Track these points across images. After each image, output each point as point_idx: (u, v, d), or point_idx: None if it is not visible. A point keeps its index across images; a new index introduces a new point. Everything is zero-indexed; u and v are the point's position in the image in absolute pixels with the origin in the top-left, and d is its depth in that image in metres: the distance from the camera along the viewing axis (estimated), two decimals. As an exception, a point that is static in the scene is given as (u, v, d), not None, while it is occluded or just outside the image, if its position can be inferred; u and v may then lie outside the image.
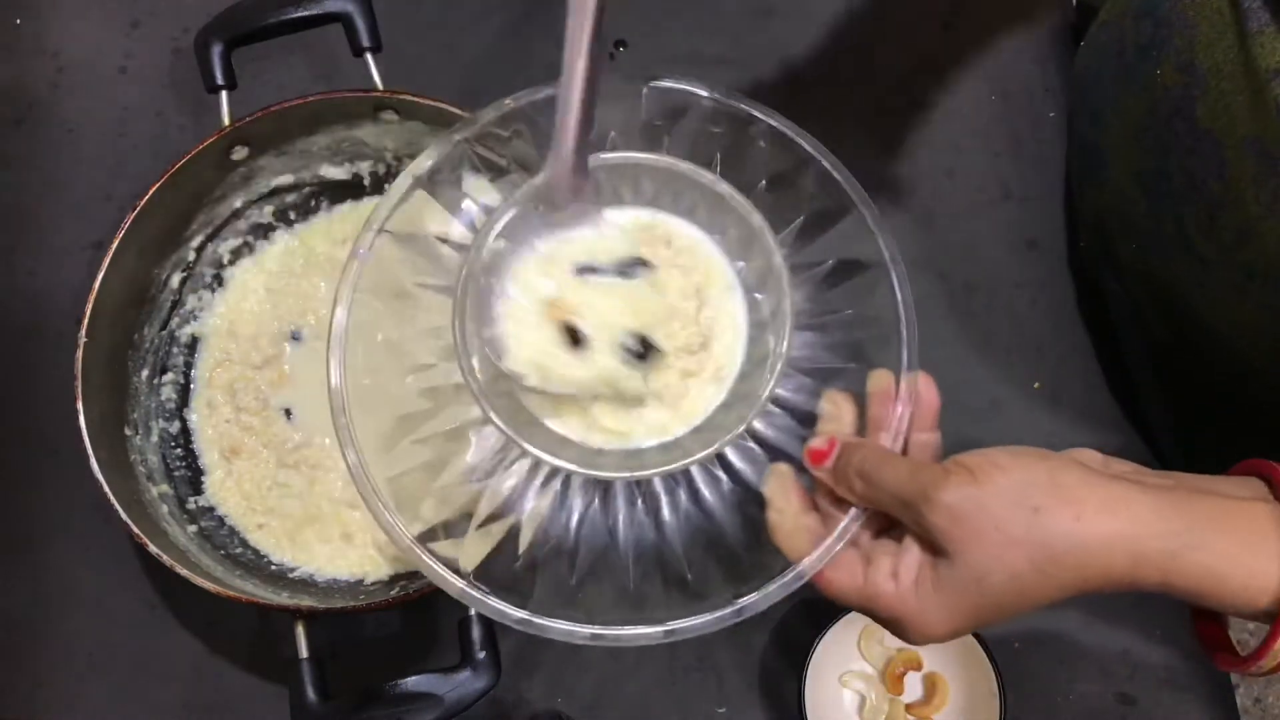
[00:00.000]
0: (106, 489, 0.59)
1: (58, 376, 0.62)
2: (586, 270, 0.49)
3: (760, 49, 0.79)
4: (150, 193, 0.63)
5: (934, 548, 0.40)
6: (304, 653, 0.58)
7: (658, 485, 0.49)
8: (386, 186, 0.72)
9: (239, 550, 0.66)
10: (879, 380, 0.45)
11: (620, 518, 0.49)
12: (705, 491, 0.49)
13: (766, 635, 0.69)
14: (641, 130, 0.51)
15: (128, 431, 0.66)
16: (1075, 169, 0.74)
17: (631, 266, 0.49)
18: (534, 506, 0.49)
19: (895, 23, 0.80)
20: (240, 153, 0.67)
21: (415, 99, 0.65)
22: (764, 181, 0.50)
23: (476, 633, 0.57)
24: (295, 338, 0.71)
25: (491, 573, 0.46)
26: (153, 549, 0.58)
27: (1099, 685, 0.69)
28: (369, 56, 0.66)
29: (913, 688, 0.67)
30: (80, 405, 0.60)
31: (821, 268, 0.50)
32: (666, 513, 0.49)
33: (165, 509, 0.65)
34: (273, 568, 0.66)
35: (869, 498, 0.42)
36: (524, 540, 0.48)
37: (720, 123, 0.51)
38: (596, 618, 0.45)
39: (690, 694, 0.67)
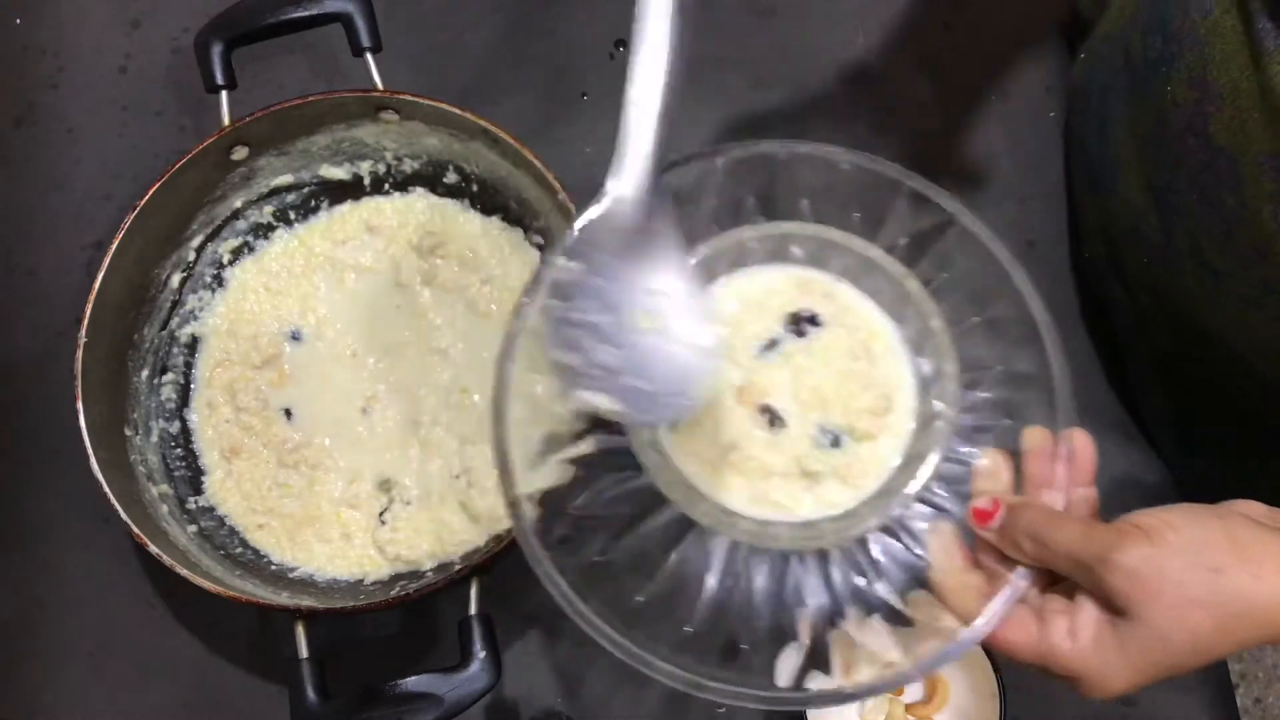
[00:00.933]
0: (106, 489, 0.59)
1: (58, 376, 0.62)
2: (767, 348, 0.50)
3: (760, 49, 0.79)
4: (150, 193, 0.63)
5: (1112, 607, 0.41)
6: (304, 653, 0.58)
7: (830, 553, 0.49)
8: (387, 187, 0.73)
9: (239, 550, 0.66)
10: (1035, 437, 0.46)
11: (790, 583, 0.50)
12: (872, 552, 0.49)
13: (767, 635, 0.69)
14: (781, 196, 0.52)
15: (128, 431, 0.66)
16: (1079, 178, 0.73)
17: (802, 324, 0.50)
18: (710, 580, 0.49)
19: (895, 23, 0.80)
20: (240, 153, 0.67)
21: (415, 99, 0.65)
22: (904, 240, 0.51)
23: (476, 633, 0.57)
24: (295, 338, 0.71)
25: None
26: (153, 549, 0.58)
27: (1099, 685, 0.68)
28: (369, 56, 0.66)
29: (913, 688, 0.67)
30: (80, 405, 0.60)
31: (966, 324, 0.50)
32: (836, 576, 0.49)
33: (165, 509, 0.65)
34: (273, 568, 0.66)
35: (1039, 558, 0.42)
36: (693, 603, 0.49)
37: (859, 184, 0.51)
38: (773, 679, 0.46)
39: (690, 694, 0.67)
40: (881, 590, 0.49)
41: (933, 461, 0.47)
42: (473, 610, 0.57)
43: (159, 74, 0.80)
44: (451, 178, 0.71)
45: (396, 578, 0.65)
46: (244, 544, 0.67)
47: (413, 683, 0.56)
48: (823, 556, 0.49)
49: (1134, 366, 0.72)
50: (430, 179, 0.72)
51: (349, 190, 0.73)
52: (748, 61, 0.79)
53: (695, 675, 0.45)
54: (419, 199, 0.73)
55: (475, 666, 0.56)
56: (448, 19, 0.81)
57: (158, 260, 0.68)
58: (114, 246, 0.63)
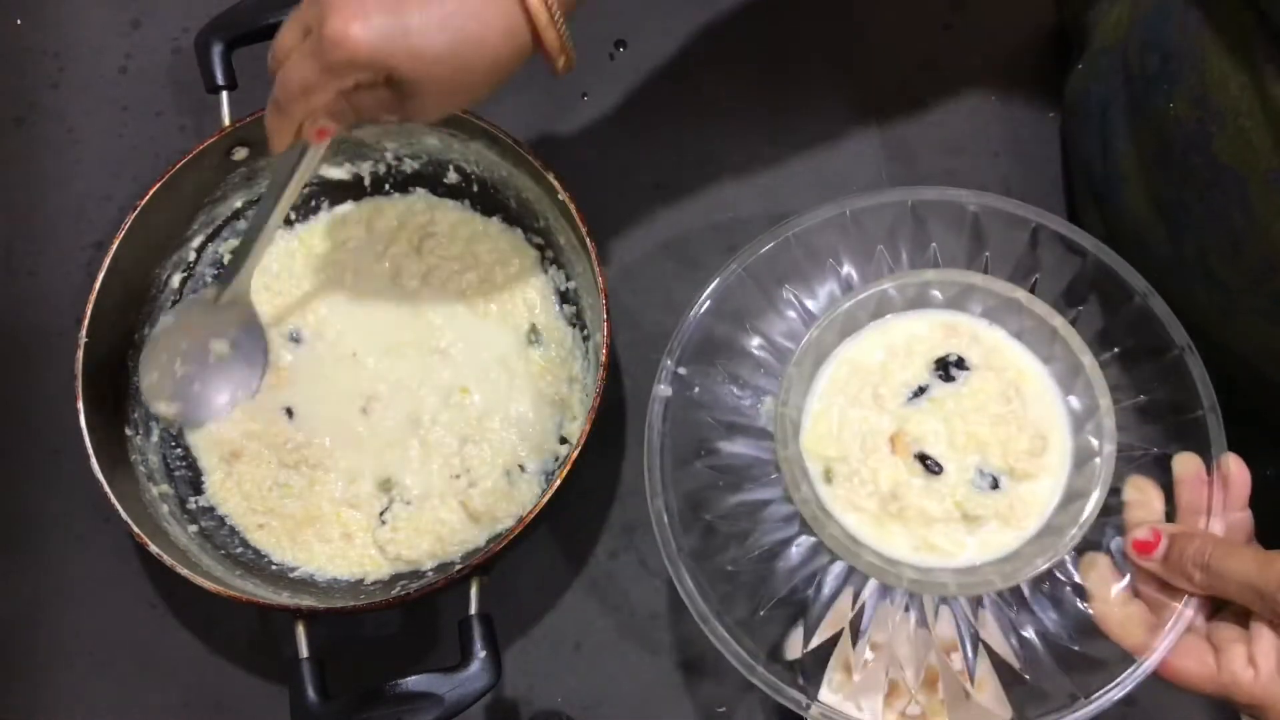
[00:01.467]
0: (106, 489, 0.59)
1: (58, 376, 0.62)
2: (916, 395, 0.51)
3: (760, 49, 0.79)
4: (150, 193, 0.64)
5: None
6: (304, 653, 0.58)
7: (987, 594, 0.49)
8: (387, 187, 0.73)
9: (239, 550, 0.66)
10: (1187, 465, 0.46)
11: (947, 626, 0.50)
12: (1028, 590, 0.49)
13: (767, 635, 0.69)
14: (911, 239, 0.53)
15: (128, 431, 0.66)
16: (1080, 188, 0.73)
17: (950, 369, 0.51)
18: (877, 624, 0.51)
19: (895, 23, 0.80)
20: (240, 153, 0.67)
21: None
22: (1036, 276, 0.52)
23: (477, 633, 0.57)
24: (295, 339, 0.71)
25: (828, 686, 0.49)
26: (153, 549, 0.58)
27: (1099, 685, 0.68)
28: (369, 56, 0.66)
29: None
30: (80, 405, 0.60)
31: (1107, 356, 0.51)
32: (990, 618, 0.50)
33: (165, 509, 0.65)
34: (273, 568, 0.66)
35: (1210, 587, 0.43)
36: (863, 650, 0.50)
37: (987, 224, 0.52)
38: None
39: (690, 694, 0.67)
40: (1046, 627, 0.49)
41: (1095, 498, 0.47)
42: (473, 610, 0.57)
43: (159, 74, 0.80)
44: (451, 178, 0.71)
45: (397, 578, 0.65)
46: (244, 544, 0.67)
47: (413, 683, 0.56)
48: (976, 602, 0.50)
49: None
50: (430, 179, 0.72)
51: (349, 190, 0.73)
52: (747, 62, 0.79)
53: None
54: (419, 199, 0.73)
55: (475, 666, 0.56)
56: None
57: (158, 260, 0.68)
58: (114, 246, 0.63)
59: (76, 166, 0.78)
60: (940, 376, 0.51)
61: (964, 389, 0.51)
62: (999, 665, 0.50)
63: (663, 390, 0.51)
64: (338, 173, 0.72)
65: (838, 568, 0.50)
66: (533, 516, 0.58)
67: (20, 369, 0.74)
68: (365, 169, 0.72)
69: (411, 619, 0.68)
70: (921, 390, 0.51)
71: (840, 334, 0.53)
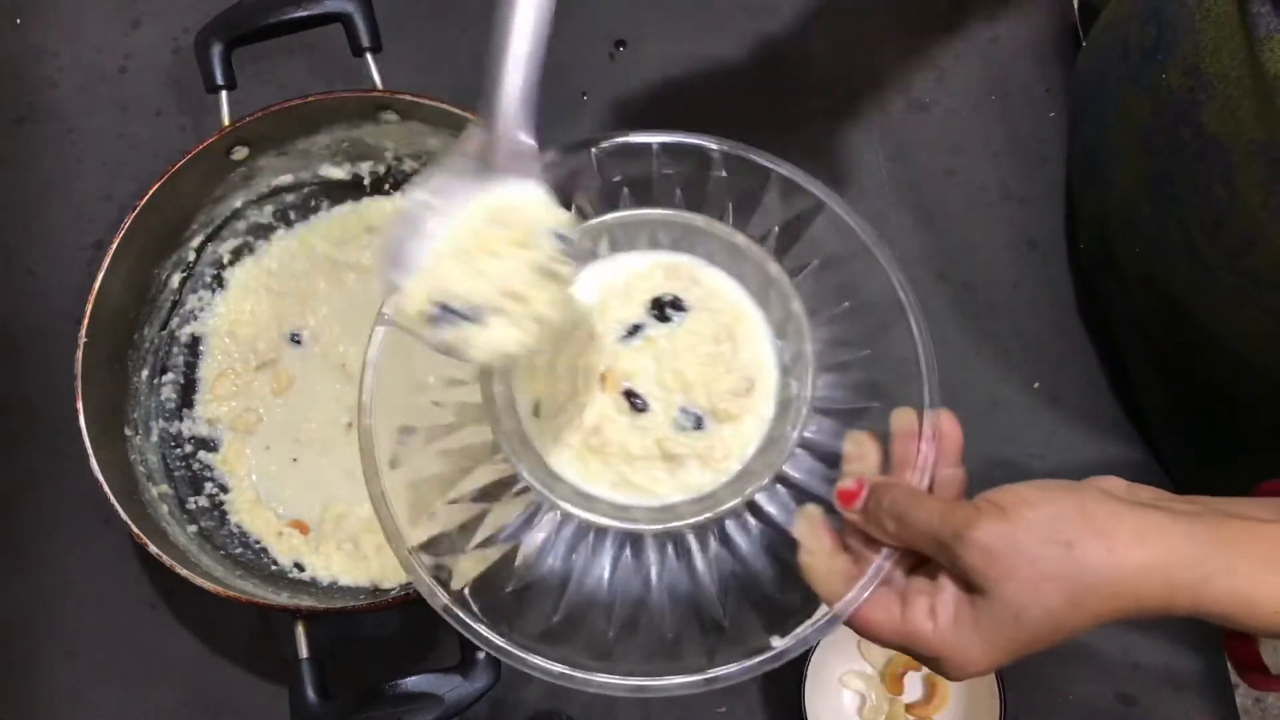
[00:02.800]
0: (106, 489, 0.59)
1: (58, 376, 0.62)
2: (630, 334, 0.50)
3: (760, 49, 0.79)
4: (150, 193, 0.63)
5: (969, 585, 0.41)
6: (304, 653, 0.58)
7: (690, 535, 0.49)
8: (387, 187, 0.73)
9: (239, 550, 0.66)
10: (902, 418, 0.46)
11: (653, 568, 0.50)
12: (736, 537, 0.49)
13: (766, 635, 0.69)
14: (655, 182, 0.52)
15: (128, 431, 0.66)
16: (1077, 170, 0.73)
17: (665, 309, 0.51)
18: (564, 560, 0.50)
19: (895, 23, 0.80)
20: (240, 153, 0.67)
21: (415, 99, 0.65)
22: (776, 228, 0.51)
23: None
24: (295, 339, 0.71)
25: (527, 627, 0.47)
26: (153, 549, 0.58)
27: (1099, 685, 0.69)
28: (369, 56, 0.66)
29: (912, 688, 0.67)
30: (80, 405, 0.60)
31: (838, 309, 0.50)
32: (699, 560, 0.49)
33: (165, 509, 0.65)
34: (273, 568, 0.66)
35: (901, 537, 0.43)
36: (557, 595, 0.49)
37: (730, 171, 0.51)
38: (636, 669, 0.46)
39: (691, 694, 0.67)
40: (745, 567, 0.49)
41: (791, 440, 0.47)
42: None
43: (159, 74, 0.80)
44: (451, 178, 0.71)
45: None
46: (245, 544, 0.67)
47: (413, 683, 0.56)
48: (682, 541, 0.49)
49: (1132, 361, 0.72)
50: (430, 179, 0.72)
51: (349, 190, 0.73)
52: (747, 62, 0.79)
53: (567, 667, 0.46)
54: (419, 199, 0.73)
55: (475, 667, 0.56)
56: (448, 19, 0.81)
57: (158, 260, 0.68)
58: (114, 246, 0.63)
59: (76, 166, 0.78)
60: (655, 316, 0.50)
61: (678, 329, 0.50)
62: (706, 606, 0.49)
63: (381, 332, 0.49)
64: (338, 173, 0.72)
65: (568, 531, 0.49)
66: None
67: (20, 369, 0.74)
68: (365, 169, 0.72)
69: (411, 619, 0.68)
70: (636, 329, 0.50)
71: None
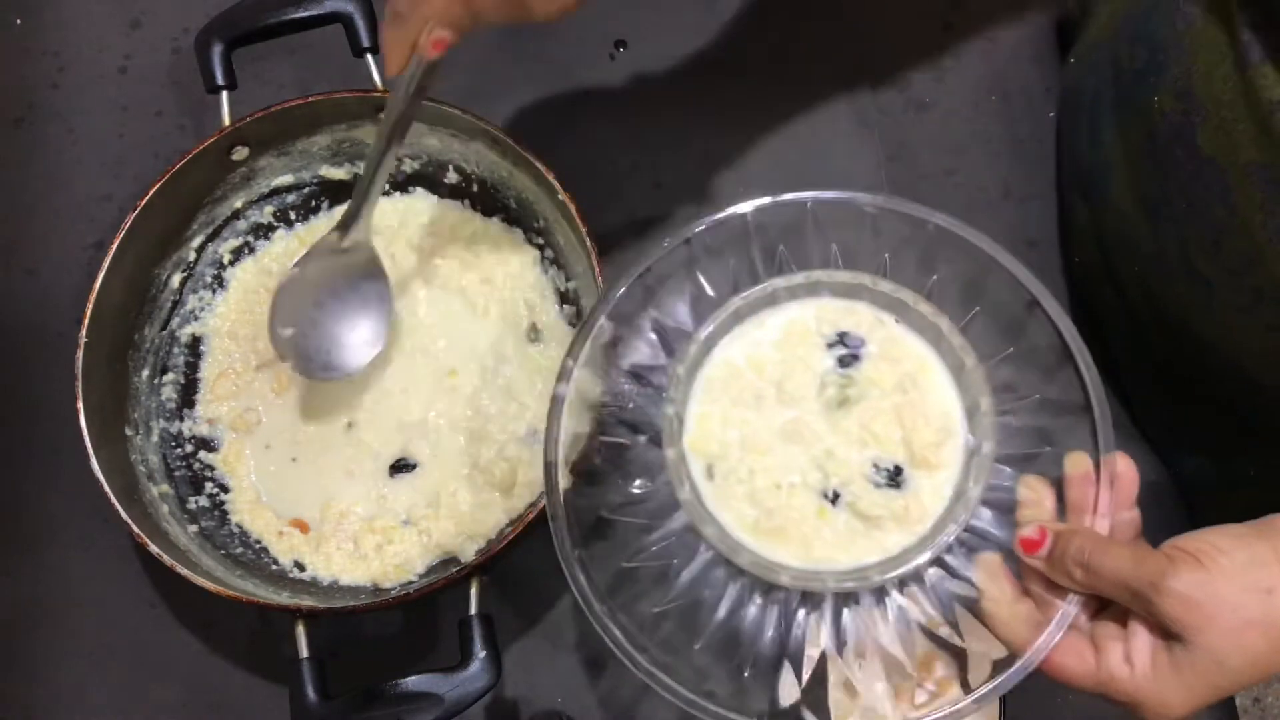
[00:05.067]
0: (106, 489, 0.59)
1: (58, 376, 0.62)
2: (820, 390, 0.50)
3: (760, 49, 0.79)
4: (150, 193, 0.64)
5: (1165, 632, 0.41)
6: (304, 653, 0.58)
7: (872, 591, 0.49)
8: (387, 186, 0.73)
9: (239, 550, 0.66)
10: (1077, 463, 0.46)
11: (839, 623, 0.50)
12: (917, 588, 0.49)
13: (767, 635, 0.69)
14: (810, 239, 0.53)
15: (128, 431, 0.66)
16: (1070, 184, 0.73)
17: (846, 357, 0.51)
18: (756, 621, 0.50)
19: (895, 23, 0.80)
20: (240, 153, 0.67)
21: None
22: (935, 277, 0.51)
23: (477, 633, 0.57)
24: (296, 339, 0.71)
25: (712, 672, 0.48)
26: (153, 549, 0.58)
27: (1099, 685, 0.68)
28: (369, 56, 0.66)
29: (913, 688, 0.67)
30: (80, 405, 0.60)
31: (1003, 355, 0.51)
32: (886, 613, 0.49)
33: (165, 509, 0.65)
34: (274, 568, 0.66)
35: (1090, 585, 0.43)
36: (745, 648, 0.50)
37: (885, 222, 0.52)
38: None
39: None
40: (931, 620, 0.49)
41: (975, 495, 0.47)
42: (473, 610, 0.57)
43: (159, 74, 0.80)
44: (451, 178, 0.71)
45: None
46: (245, 544, 0.67)
47: (413, 683, 0.56)
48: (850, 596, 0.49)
49: (1130, 369, 0.72)
50: (430, 179, 0.72)
51: (349, 190, 0.73)
52: (747, 62, 0.79)
53: (695, 694, 0.46)
54: (419, 199, 0.73)
55: (475, 666, 0.56)
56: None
57: (158, 260, 0.68)
58: (114, 246, 0.63)
59: (76, 166, 0.78)
60: (839, 360, 0.50)
61: (861, 378, 0.50)
62: (893, 658, 0.49)
63: (561, 389, 0.50)
64: (337, 173, 0.72)
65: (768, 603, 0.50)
66: (532, 517, 0.58)
67: (20, 369, 0.74)
68: (365, 169, 0.72)
69: (411, 619, 0.68)
70: (822, 386, 0.51)
71: (725, 331, 0.52)
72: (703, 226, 0.52)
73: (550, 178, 0.63)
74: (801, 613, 0.50)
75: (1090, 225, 0.69)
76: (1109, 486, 0.45)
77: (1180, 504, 0.70)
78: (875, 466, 0.49)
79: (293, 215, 0.73)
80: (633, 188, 0.75)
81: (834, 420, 0.50)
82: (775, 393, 0.51)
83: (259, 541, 0.67)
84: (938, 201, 0.75)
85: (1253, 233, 0.52)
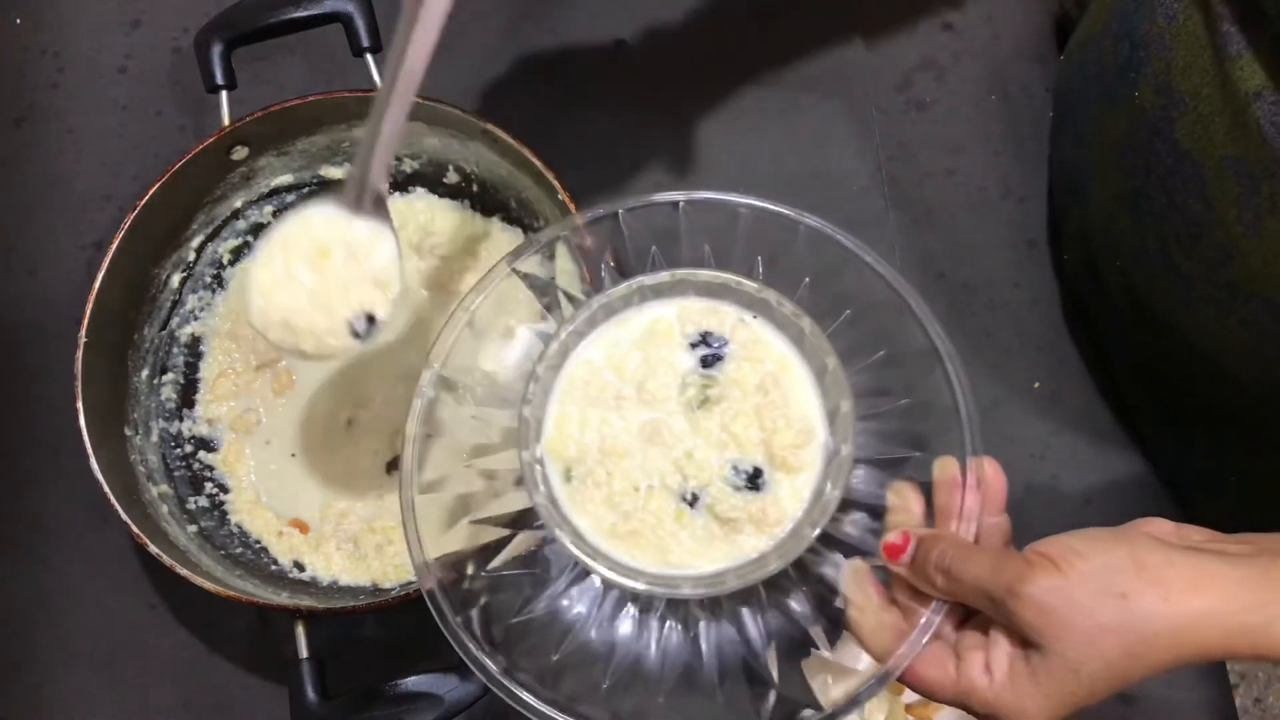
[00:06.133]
0: (106, 489, 0.59)
1: (58, 376, 0.62)
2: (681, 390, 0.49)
3: (760, 49, 0.79)
4: (150, 193, 0.64)
5: (1024, 640, 0.40)
6: (304, 653, 0.58)
7: (736, 597, 0.49)
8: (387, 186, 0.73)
9: (239, 550, 0.66)
10: (945, 468, 0.45)
11: (701, 630, 0.50)
12: (784, 596, 0.49)
13: (766, 635, 0.69)
14: (684, 240, 0.52)
15: (128, 431, 0.66)
16: (1059, 185, 0.74)
17: (710, 355, 0.50)
18: (612, 629, 0.50)
19: (895, 23, 0.80)
20: (240, 153, 0.67)
21: (415, 99, 0.65)
22: (807, 280, 0.51)
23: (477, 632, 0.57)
24: (295, 338, 0.71)
25: (578, 697, 0.47)
26: (153, 549, 0.58)
27: (1099, 685, 0.68)
28: (369, 56, 0.66)
29: (913, 688, 0.67)
30: (80, 405, 0.60)
31: (873, 359, 0.50)
32: (747, 622, 0.49)
33: (165, 509, 0.65)
34: (273, 568, 0.66)
35: (951, 592, 0.42)
36: (605, 661, 0.49)
37: (759, 227, 0.51)
38: None
39: (689, 694, 0.67)
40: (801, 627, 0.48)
41: (834, 498, 0.46)
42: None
43: (159, 74, 0.80)
44: (451, 178, 0.71)
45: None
46: (245, 544, 0.67)
47: (413, 683, 0.56)
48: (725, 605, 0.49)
49: (1118, 368, 0.72)
50: (430, 179, 0.72)
51: (349, 190, 0.73)
52: (747, 62, 0.79)
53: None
54: (419, 199, 0.73)
55: (475, 667, 0.56)
56: (448, 19, 0.81)
57: (158, 260, 0.68)
58: (114, 246, 0.63)
59: (76, 166, 0.78)
60: (702, 360, 0.50)
61: (723, 378, 0.49)
62: (756, 667, 0.49)
63: (426, 393, 0.50)
64: (337, 173, 0.72)
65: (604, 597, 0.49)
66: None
67: (20, 369, 0.74)
68: (365, 169, 0.72)
69: (411, 619, 0.68)
70: (683, 385, 0.50)
71: (587, 331, 0.51)
72: (579, 224, 0.51)
73: (550, 178, 0.63)
74: (670, 618, 0.50)
75: (1076, 223, 0.70)
76: (975, 491, 0.44)
77: (1174, 504, 0.70)
78: (735, 469, 0.48)
79: (293, 215, 0.73)
80: (633, 187, 0.75)
81: (695, 421, 0.49)
82: (636, 393, 0.49)
83: (258, 541, 0.67)
84: (938, 201, 0.76)
85: (1228, 227, 0.52)
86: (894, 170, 0.77)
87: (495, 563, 0.50)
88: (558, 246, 0.53)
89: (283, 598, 0.61)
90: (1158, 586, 0.38)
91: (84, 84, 0.80)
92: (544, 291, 0.53)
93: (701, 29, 0.80)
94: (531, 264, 0.52)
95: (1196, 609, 0.38)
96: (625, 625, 0.50)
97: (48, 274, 0.76)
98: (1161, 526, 0.42)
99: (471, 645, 0.46)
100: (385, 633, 0.68)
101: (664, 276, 0.50)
